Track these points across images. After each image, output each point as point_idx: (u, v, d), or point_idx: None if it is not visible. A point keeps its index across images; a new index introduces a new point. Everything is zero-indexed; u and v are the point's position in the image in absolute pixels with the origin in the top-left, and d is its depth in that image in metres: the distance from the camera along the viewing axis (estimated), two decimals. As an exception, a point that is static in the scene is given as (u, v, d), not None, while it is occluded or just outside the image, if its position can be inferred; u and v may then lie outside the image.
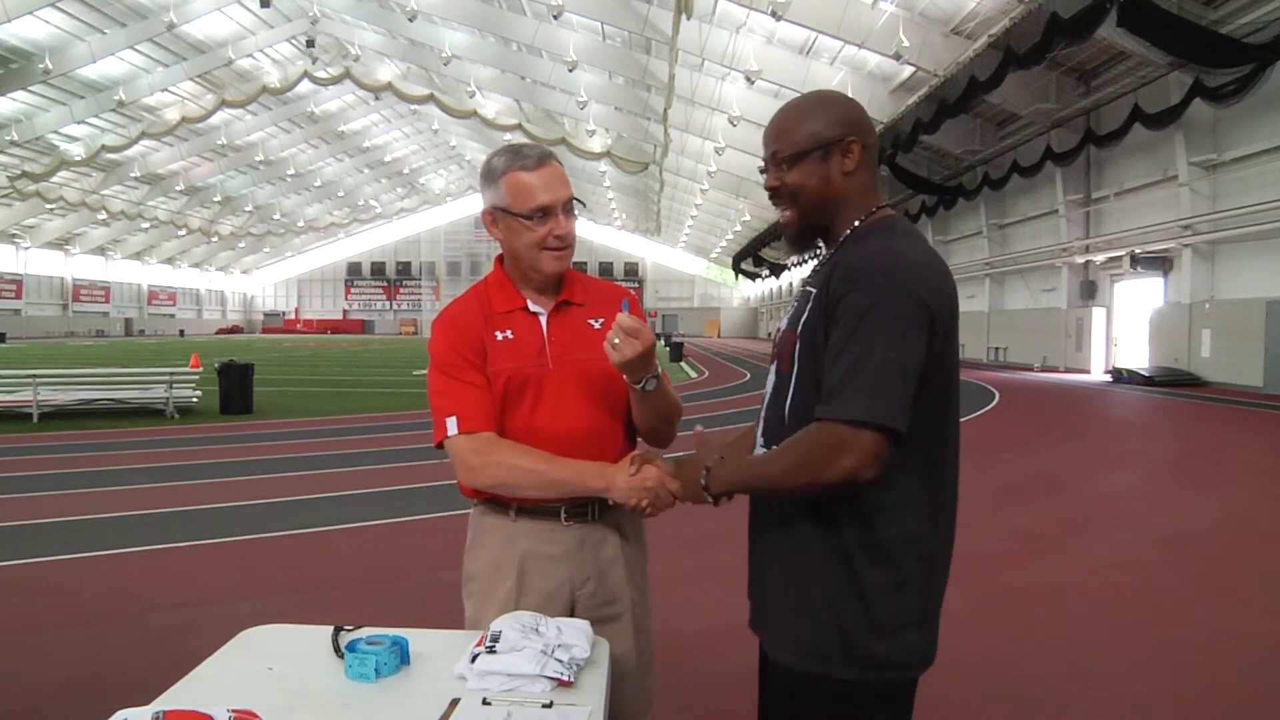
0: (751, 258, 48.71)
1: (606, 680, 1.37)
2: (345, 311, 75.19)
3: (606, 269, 69.88)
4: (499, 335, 1.65)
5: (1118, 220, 21.46)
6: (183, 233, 54.59)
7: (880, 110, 22.75)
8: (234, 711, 1.16)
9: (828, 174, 1.36)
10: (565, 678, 1.31)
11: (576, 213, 1.65)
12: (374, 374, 21.25)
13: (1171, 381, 17.72)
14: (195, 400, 11.77)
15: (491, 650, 1.33)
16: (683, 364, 26.02)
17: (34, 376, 11.13)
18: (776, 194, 1.42)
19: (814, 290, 1.34)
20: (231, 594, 4.15)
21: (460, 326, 1.66)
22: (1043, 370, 24.04)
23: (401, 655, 1.38)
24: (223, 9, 31.12)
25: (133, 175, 43.49)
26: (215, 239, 58.01)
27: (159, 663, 2.81)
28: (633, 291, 1.77)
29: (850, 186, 1.37)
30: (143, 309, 60.39)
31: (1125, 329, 21.98)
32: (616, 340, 1.48)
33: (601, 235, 69.83)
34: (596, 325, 1.66)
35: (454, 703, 1.25)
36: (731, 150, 30.31)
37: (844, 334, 1.24)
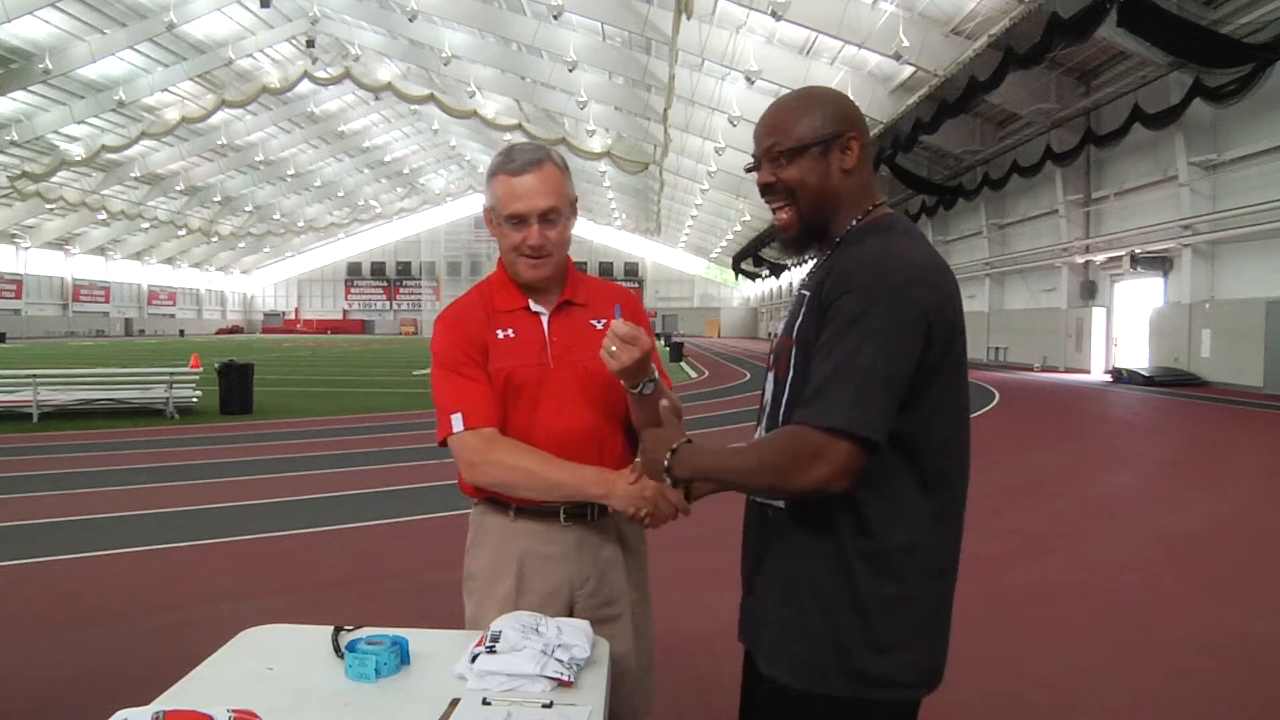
0: (751, 258, 48.70)
1: (606, 680, 1.37)
2: (345, 311, 75.19)
3: (606, 269, 69.87)
4: (500, 334, 1.65)
5: (1118, 220, 21.46)
6: (183, 233, 54.59)
7: (880, 110, 22.75)
8: (234, 711, 1.16)
9: (828, 171, 1.31)
10: (565, 678, 1.31)
11: (559, 220, 1.61)
12: (374, 374, 21.25)
13: (1171, 381, 17.72)
14: (195, 400, 11.77)
15: (491, 650, 1.34)
16: (683, 364, 26.03)
17: (34, 376, 11.12)
18: (771, 191, 1.35)
19: (808, 293, 1.29)
20: (231, 594, 4.15)
21: (463, 324, 1.67)
22: (1043, 370, 24.04)
23: (401, 655, 1.38)
24: (223, 9, 31.12)
25: (133, 175, 43.49)
26: (215, 239, 57.99)
27: (159, 663, 2.81)
28: (633, 290, 1.77)
29: (849, 185, 1.32)
30: (143, 309, 60.38)
31: (1125, 329, 21.98)
32: (613, 348, 1.47)
33: (601, 235, 69.83)
34: (598, 326, 1.66)
35: (454, 703, 1.25)
36: (731, 150, 30.31)
37: (833, 337, 1.19)
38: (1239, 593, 4.30)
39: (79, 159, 37.97)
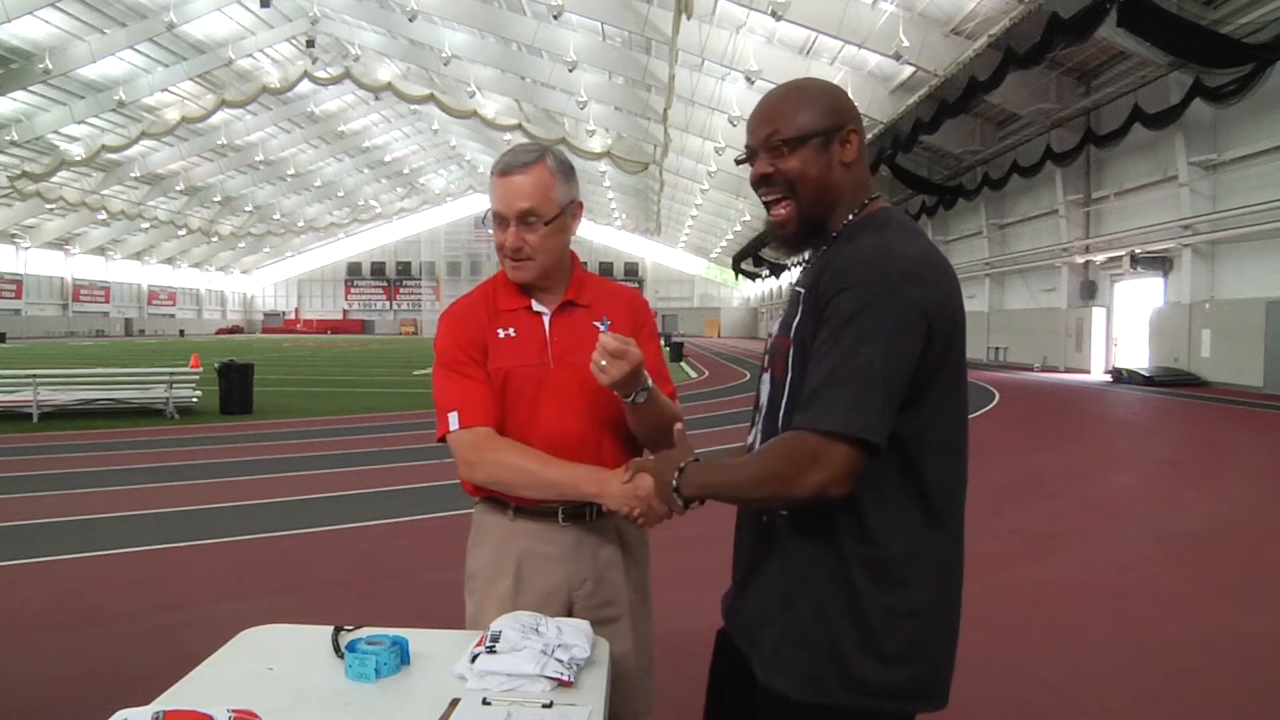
0: (751, 258, 48.70)
1: (606, 680, 1.37)
2: (345, 311, 75.17)
3: (606, 269, 69.85)
4: (501, 333, 1.65)
5: (1118, 220, 21.46)
6: (183, 233, 54.60)
7: (880, 110, 22.75)
8: (234, 711, 1.16)
9: (829, 163, 1.27)
10: (565, 678, 1.31)
11: (539, 224, 1.59)
12: (374, 374, 21.25)
13: (1171, 381, 17.72)
14: (195, 400, 11.77)
15: (491, 650, 1.34)
16: (683, 364, 26.02)
17: (34, 376, 11.12)
18: (769, 183, 1.30)
19: (804, 291, 1.26)
20: (231, 594, 4.15)
21: (464, 323, 1.67)
22: (1043, 370, 24.05)
23: (401, 655, 1.38)
24: (223, 9, 31.12)
25: (133, 175, 43.48)
26: (215, 239, 57.98)
27: (159, 663, 2.81)
28: (634, 290, 1.77)
29: (848, 179, 1.28)
30: (143, 309, 60.38)
31: (1125, 329, 21.98)
32: (603, 362, 1.46)
33: (601, 235, 69.83)
34: (602, 327, 1.66)
35: (454, 703, 1.25)
36: (731, 150, 30.23)
37: (829, 337, 1.16)
38: (1239, 593, 4.30)
39: (79, 159, 37.97)
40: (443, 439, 1.63)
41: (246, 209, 55.41)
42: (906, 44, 18.35)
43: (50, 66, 29.26)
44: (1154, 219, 19.43)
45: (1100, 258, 22.41)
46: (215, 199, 51.84)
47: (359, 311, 75.52)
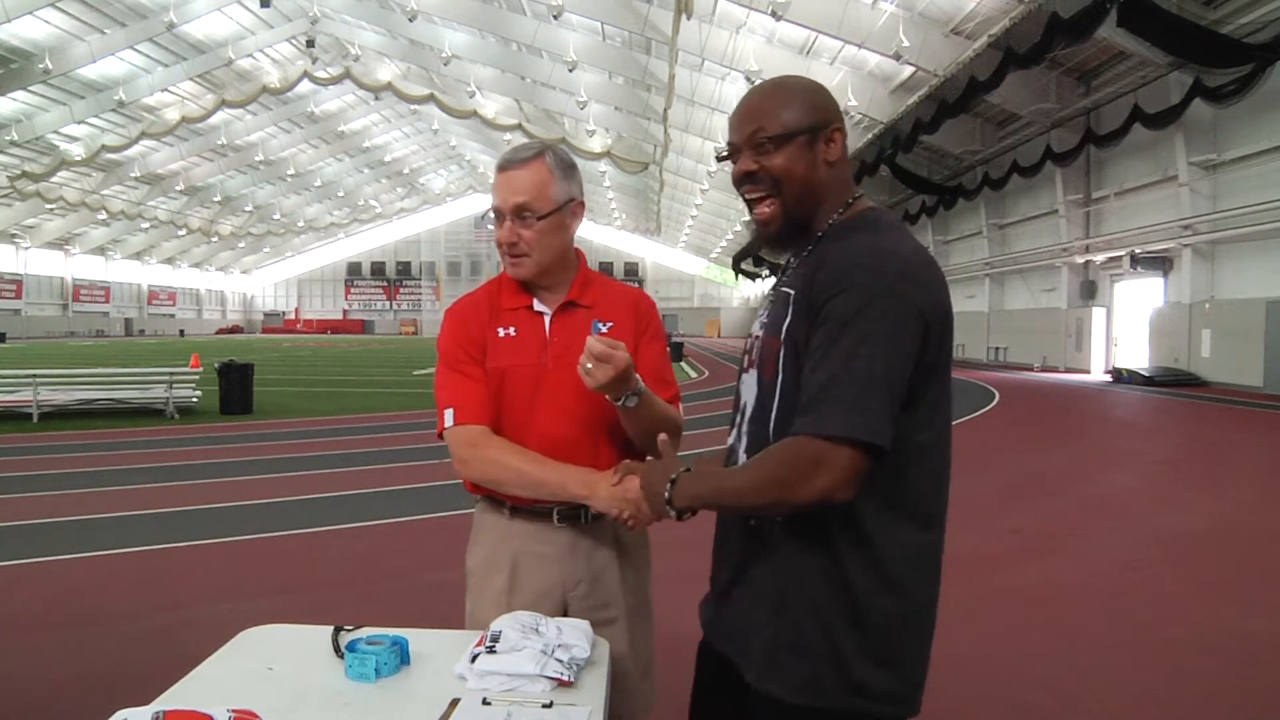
0: (751, 258, 48.62)
1: (606, 680, 1.37)
2: (345, 311, 75.14)
3: (606, 269, 69.82)
4: (501, 332, 1.66)
5: (1118, 220, 21.46)
6: (183, 233, 54.58)
7: (880, 110, 22.75)
8: (234, 711, 1.16)
9: (814, 161, 1.26)
10: (565, 678, 1.31)
11: (533, 219, 1.59)
12: (374, 374, 21.25)
13: (1171, 381, 17.73)
14: (195, 400, 11.77)
15: (491, 650, 1.34)
16: (683, 364, 26.03)
17: (34, 376, 11.12)
18: (753, 180, 1.28)
19: (793, 292, 1.24)
20: (231, 594, 4.15)
21: (466, 321, 1.68)
22: (1043, 370, 24.05)
23: (401, 655, 1.38)
24: (223, 9, 31.11)
25: (133, 175, 43.46)
26: (215, 239, 57.96)
27: (159, 663, 2.81)
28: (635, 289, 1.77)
29: (832, 178, 1.28)
30: (143, 309, 60.35)
31: (1125, 329, 21.99)
32: (589, 365, 1.45)
33: (601, 235, 69.82)
34: (603, 329, 1.66)
35: (454, 703, 1.25)
36: (732, 150, 30.27)
37: (826, 340, 1.15)
38: (1239, 593, 4.30)
39: (79, 159, 37.96)
40: (442, 435, 1.65)
41: (246, 209, 55.39)
42: (906, 44, 18.35)
43: (50, 66, 29.25)
44: (1154, 219, 19.43)
45: (1100, 258, 22.41)
46: (215, 199, 51.82)
47: (359, 311, 75.49)
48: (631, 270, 72.51)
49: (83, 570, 4.54)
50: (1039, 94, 20.58)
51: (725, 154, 1.33)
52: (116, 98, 33.48)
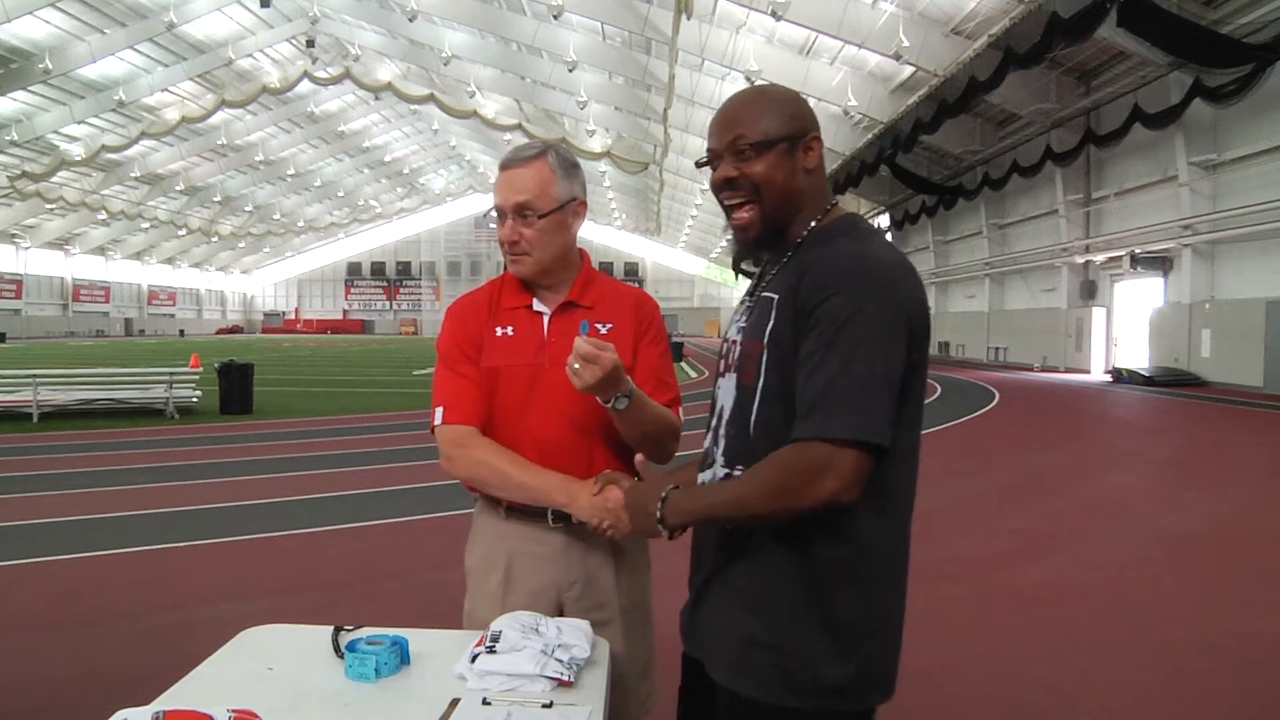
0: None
1: (606, 680, 1.37)
2: (345, 311, 75.14)
3: (606, 269, 69.48)
4: (499, 331, 1.66)
5: (1118, 220, 21.46)
6: (183, 233, 54.58)
7: (880, 110, 22.75)
8: (234, 711, 1.16)
9: (793, 169, 1.28)
10: (565, 678, 1.31)
11: (534, 217, 1.60)
12: (374, 374, 21.25)
13: (1171, 381, 17.73)
14: (195, 400, 11.77)
15: (491, 650, 1.34)
16: (683, 364, 26.03)
17: (34, 376, 11.12)
18: (733, 186, 1.30)
19: (777, 296, 1.25)
20: (231, 594, 4.15)
21: (465, 319, 1.69)
22: (1043, 370, 24.05)
23: (401, 655, 1.38)
24: (223, 9, 31.10)
25: (133, 175, 43.47)
26: (215, 239, 57.98)
27: (159, 663, 2.81)
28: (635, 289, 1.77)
29: (810, 186, 1.30)
30: (143, 309, 60.36)
31: (1125, 329, 21.99)
32: (576, 365, 1.45)
33: (601, 235, 69.81)
34: (602, 330, 1.66)
35: (454, 703, 1.25)
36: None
37: (821, 345, 1.16)
38: (1239, 593, 4.30)
39: (79, 159, 37.96)
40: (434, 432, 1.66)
41: (246, 209, 55.40)
42: (906, 44, 18.35)
43: (50, 66, 29.25)
44: (1154, 219, 19.44)
45: (1100, 258, 22.42)
46: (215, 199, 51.82)
47: (359, 311, 75.49)
48: (631, 270, 72.50)
49: (83, 570, 4.54)
50: (1039, 94, 20.58)
51: (705, 160, 1.35)
52: (116, 98, 33.47)
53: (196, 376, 12.14)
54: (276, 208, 57.84)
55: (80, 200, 42.24)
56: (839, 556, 1.21)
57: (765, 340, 1.24)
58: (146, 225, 51.23)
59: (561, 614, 1.64)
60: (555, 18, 24.10)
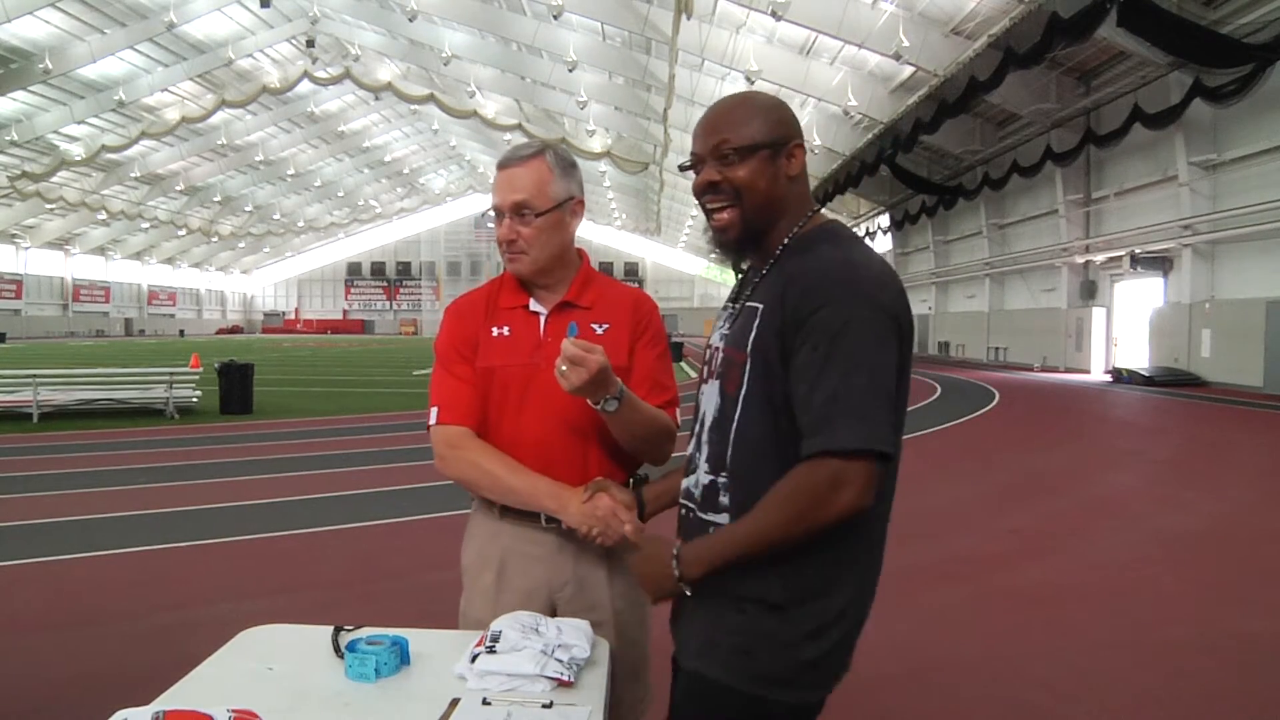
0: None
1: (606, 680, 1.37)
2: (345, 311, 75.14)
3: (606, 269, 69.64)
4: (495, 331, 1.66)
5: (1118, 220, 21.46)
6: (183, 233, 54.58)
7: (880, 110, 22.75)
8: (234, 711, 1.16)
9: (776, 175, 1.29)
10: (565, 678, 1.31)
11: (531, 216, 1.60)
12: (374, 374, 21.25)
13: (1171, 381, 17.73)
14: (195, 400, 11.77)
15: (491, 650, 1.34)
16: (683, 364, 26.02)
17: (34, 376, 11.12)
18: (715, 190, 1.31)
19: (762, 306, 1.26)
20: (231, 594, 4.15)
21: (462, 319, 1.69)
22: (1043, 370, 24.05)
23: (401, 655, 1.38)
24: (223, 9, 31.10)
25: (133, 175, 43.46)
26: (215, 239, 57.98)
27: (159, 663, 2.81)
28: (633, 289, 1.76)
29: (792, 193, 1.31)
30: (143, 309, 60.36)
31: (1125, 329, 21.99)
32: (564, 368, 1.44)
33: (601, 235, 69.82)
34: (599, 330, 1.65)
35: (454, 703, 1.25)
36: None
37: (817, 358, 1.17)
38: (1239, 593, 4.30)
39: (79, 159, 37.96)
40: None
41: (246, 209, 55.40)
42: (906, 44, 18.35)
43: (50, 66, 29.25)
44: (1154, 219, 19.44)
45: (1100, 258, 22.41)
46: (215, 199, 51.82)
47: (359, 311, 75.49)
48: (631, 270, 72.50)
49: (83, 570, 4.54)
50: (1039, 94, 20.58)
51: (689, 164, 1.35)
52: (116, 98, 33.47)
53: (196, 376, 12.14)
54: (276, 208, 57.84)
55: (80, 200, 42.24)
56: (824, 556, 1.23)
57: (749, 349, 1.26)
58: (146, 225, 51.22)
59: (555, 614, 1.64)
60: (555, 18, 24.10)
